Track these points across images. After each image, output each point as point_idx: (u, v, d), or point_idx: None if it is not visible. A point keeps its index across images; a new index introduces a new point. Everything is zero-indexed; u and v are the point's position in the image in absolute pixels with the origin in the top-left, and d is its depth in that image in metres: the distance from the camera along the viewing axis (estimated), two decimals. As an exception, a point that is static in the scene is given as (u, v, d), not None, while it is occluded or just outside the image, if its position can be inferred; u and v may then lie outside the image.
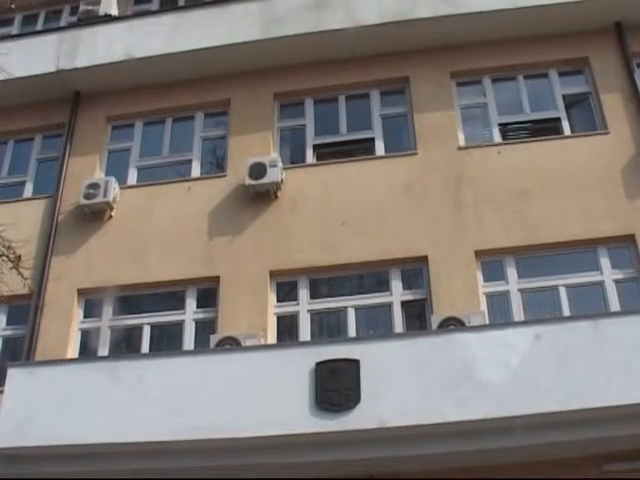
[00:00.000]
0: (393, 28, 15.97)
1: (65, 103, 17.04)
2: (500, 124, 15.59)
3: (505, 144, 15.25)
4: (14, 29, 19.44)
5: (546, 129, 15.39)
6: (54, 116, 17.08)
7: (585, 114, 15.53)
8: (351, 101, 16.46)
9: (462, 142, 15.38)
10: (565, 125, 15.31)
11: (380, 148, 15.69)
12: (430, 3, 16.02)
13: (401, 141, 15.85)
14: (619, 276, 13.47)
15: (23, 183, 16.74)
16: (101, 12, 17.94)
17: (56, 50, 16.97)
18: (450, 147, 15.23)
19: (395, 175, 15.09)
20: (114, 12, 18.10)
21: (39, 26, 19.43)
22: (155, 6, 19.24)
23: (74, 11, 19.00)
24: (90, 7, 18.10)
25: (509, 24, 15.68)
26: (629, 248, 13.68)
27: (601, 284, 13.43)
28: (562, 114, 15.44)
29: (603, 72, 15.53)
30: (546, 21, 15.59)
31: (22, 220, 14.66)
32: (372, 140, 15.82)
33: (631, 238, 13.64)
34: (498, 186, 14.51)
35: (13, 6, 11.36)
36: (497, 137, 15.44)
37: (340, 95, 16.49)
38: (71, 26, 18.15)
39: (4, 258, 11.54)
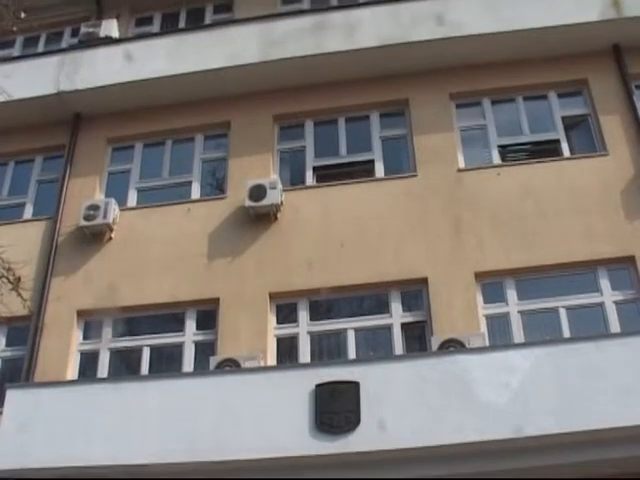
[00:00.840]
0: (392, 50, 16.03)
1: (65, 125, 17.09)
2: (499, 146, 15.62)
3: (505, 166, 15.27)
4: (15, 51, 19.57)
5: (545, 151, 15.41)
6: (54, 138, 17.11)
7: (584, 136, 15.57)
8: (351, 123, 16.49)
9: (462, 164, 15.39)
10: (564, 147, 15.34)
11: (380, 170, 15.70)
12: (429, 26, 16.08)
13: (401, 163, 15.86)
14: (619, 297, 13.46)
15: (23, 204, 16.73)
16: (102, 34, 17.97)
17: (57, 72, 17.02)
18: (450, 169, 15.25)
19: (395, 197, 15.10)
20: (115, 34, 18.13)
21: (40, 48, 19.50)
22: (156, 28, 19.34)
23: (75, 33, 19.06)
24: (91, 29, 18.14)
25: (508, 46, 15.75)
26: (629, 269, 13.67)
27: (601, 305, 13.41)
28: (561, 136, 15.47)
29: (602, 94, 15.59)
30: (545, 43, 15.68)
31: (22, 241, 14.66)
32: (372, 162, 15.84)
33: (631, 259, 13.63)
34: (498, 208, 14.52)
35: (15, 29, 11.37)
36: (496, 159, 15.45)
37: (340, 117, 16.52)
38: (72, 48, 18.17)
39: (4, 279, 11.53)
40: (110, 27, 18.13)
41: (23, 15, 11.11)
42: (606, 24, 15.64)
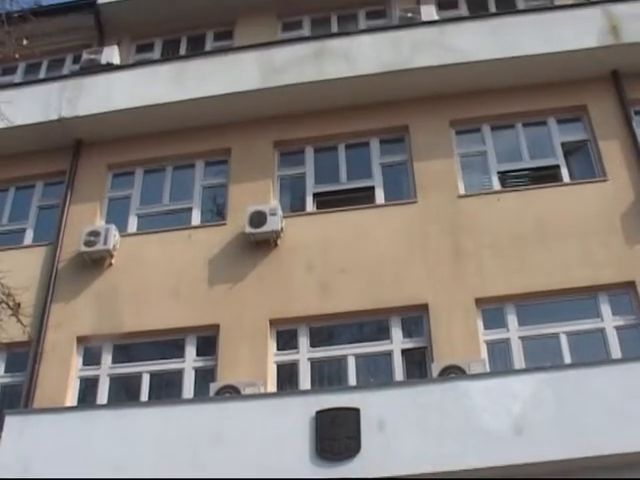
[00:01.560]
0: (392, 77, 16.11)
1: (66, 150, 17.11)
2: (499, 172, 15.65)
3: (504, 192, 15.30)
4: (17, 77, 19.61)
5: (545, 176, 15.45)
6: (55, 163, 17.13)
7: (584, 161, 15.61)
8: (351, 149, 16.53)
9: (462, 190, 15.41)
10: (564, 172, 15.37)
11: (380, 196, 15.71)
12: (429, 52, 16.18)
13: (401, 189, 15.88)
14: (620, 323, 13.44)
15: (23, 230, 16.71)
16: (103, 61, 18.04)
17: (58, 98, 17.07)
18: (450, 195, 15.26)
19: (395, 223, 15.11)
20: (116, 61, 18.21)
21: (42, 74, 19.58)
22: (156, 55, 19.40)
23: (76, 60, 19.11)
24: (92, 56, 18.22)
25: (507, 73, 15.86)
26: (630, 294, 13.67)
27: (602, 331, 13.39)
28: (561, 161, 15.51)
29: (601, 119, 15.66)
30: (544, 69, 15.77)
31: (22, 267, 14.61)
32: (372, 188, 15.85)
33: (631, 285, 13.63)
34: (498, 233, 14.53)
35: (17, 55, 11.42)
36: (496, 185, 15.48)
37: (340, 143, 16.56)
38: (73, 75, 18.25)
39: (4, 305, 11.50)
40: (111, 54, 18.22)
41: (25, 42, 11.15)
42: (605, 50, 15.74)
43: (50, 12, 14.75)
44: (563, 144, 15.76)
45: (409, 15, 17.45)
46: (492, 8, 18.51)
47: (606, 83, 15.97)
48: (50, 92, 17.28)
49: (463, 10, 18.69)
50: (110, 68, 17.95)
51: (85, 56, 18.32)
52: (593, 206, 14.56)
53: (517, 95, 15.99)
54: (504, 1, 18.56)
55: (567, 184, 15.19)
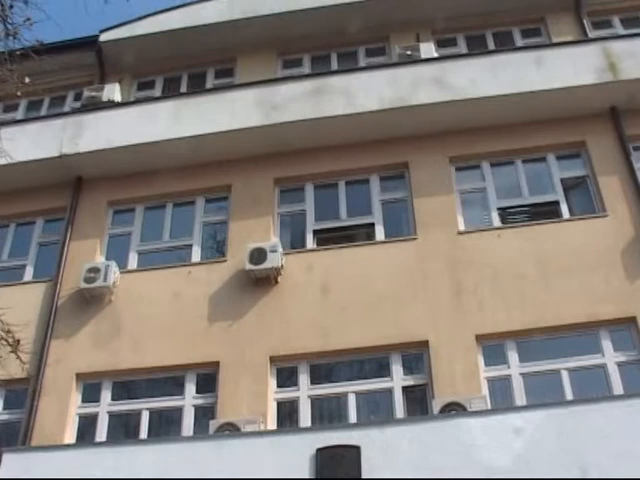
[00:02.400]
0: (392, 114, 16.20)
1: (67, 187, 17.17)
2: (499, 208, 15.68)
3: (505, 228, 15.32)
4: (19, 114, 19.72)
5: (545, 212, 15.47)
6: (56, 200, 17.17)
7: (583, 197, 15.64)
8: (351, 186, 16.56)
9: (462, 226, 15.43)
10: (564, 208, 15.40)
11: (380, 233, 15.72)
12: (428, 89, 16.28)
13: (401, 226, 15.90)
14: (621, 359, 13.40)
15: (23, 266, 16.72)
16: (104, 98, 18.17)
17: (59, 135, 17.18)
18: (450, 231, 15.27)
19: (395, 260, 15.10)
20: (117, 98, 18.34)
21: (43, 111, 19.71)
22: (157, 92, 19.54)
23: (78, 97, 19.26)
24: (94, 93, 18.34)
25: (506, 109, 15.94)
26: (631, 330, 13.64)
27: (603, 367, 13.34)
28: (561, 197, 15.55)
29: (600, 155, 15.73)
30: (543, 106, 15.86)
31: (22, 303, 14.57)
32: (372, 225, 15.87)
33: (632, 320, 13.61)
34: (498, 270, 14.52)
35: (19, 93, 11.46)
36: (496, 221, 15.50)
37: (340, 180, 16.59)
38: (75, 112, 18.41)
39: (3, 342, 11.45)
40: (113, 91, 18.35)
41: (27, 80, 11.18)
42: (603, 87, 15.87)
43: (52, 50, 14.74)
44: (563, 180, 15.80)
45: (408, 53, 17.57)
46: (491, 45, 18.71)
47: (605, 119, 16.05)
48: (51, 129, 17.42)
49: (462, 47, 18.87)
50: (111, 105, 18.08)
51: (86, 93, 18.46)
52: (593, 242, 14.58)
53: (516, 132, 16.06)
54: (502, 38, 18.76)
55: (567, 220, 15.23)
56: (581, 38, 17.71)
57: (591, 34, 18.04)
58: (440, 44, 18.67)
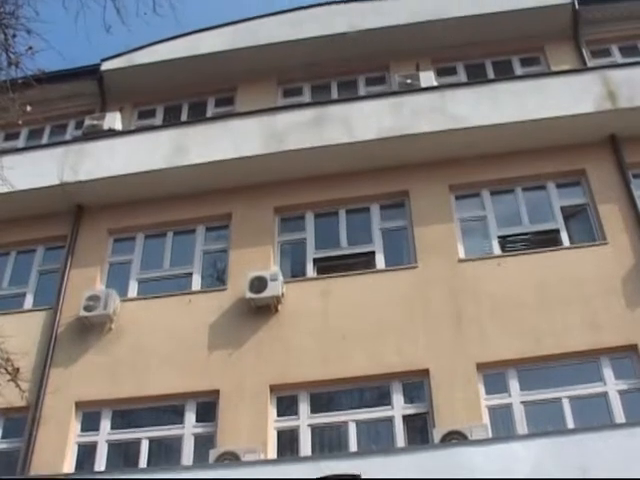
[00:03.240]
0: (392, 143, 16.26)
1: (67, 215, 17.19)
2: (499, 236, 15.69)
3: (505, 256, 15.33)
4: (20, 142, 19.74)
5: (545, 240, 15.50)
6: (56, 228, 17.19)
7: (584, 225, 15.67)
8: (351, 215, 16.59)
9: (462, 254, 15.43)
10: (564, 236, 15.41)
11: (380, 261, 15.72)
12: (428, 118, 16.36)
13: (401, 254, 15.90)
14: (623, 387, 13.34)
15: (23, 294, 16.70)
16: (105, 127, 18.24)
17: (60, 163, 17.21)
18: (450, 260, 15.27)
19: (395, 288, 15.09)
20: (118, 127, 18.40)
21: (44, 140, 19.77)
22: (158, 121, 19.61)
23: (79, 125, 19.35)
24: (95, 122, 18.42)
25: (506, 138, 16.02)
26: (632, 358, 13.59)
27: (605, 395, 13.28)
28: (561, 225, 15.57)
29: (600, 183, 15.76)
30: (542, 134, 15.94)
31: (22, 332, 14.53)
32: (372, 254, 15.86)
33: (634, 348, 13.57)
34: (499, 298, 14.51)
35: (20, 122, 11.52)
36: (497, 249, 15.51)
37: (340, 209, 16.62)
38: (75, 140, 18.47)
39: (2, 370, 11.41)
40: (113, 120, 18.43)
41: (29, 109, 11.23)
42: (602, 115, 15.94)
43: (54, 78, 14.82)
44: (563, 208, 15.83)
45: (408, 81, 17.67)
46: (490, 74, 18.79)
47: (604, 147, 16.12)
48: (52, 157, 17.44)
49: (462, 76, 18.96)
50: (112, 134, 18.13)
51: (87, 122, 18.54)
52: (593, 270, 14.57)
53: (516, 160, 16.11)
54: (502, 67, 18.86)
55: (567, 248, 15.23)
56: (580, 67, 17.81)
57: (590, 63, 18.15)
58: (440, 73, 18.76)
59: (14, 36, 10.25)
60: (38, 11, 10.23)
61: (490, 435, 12.77)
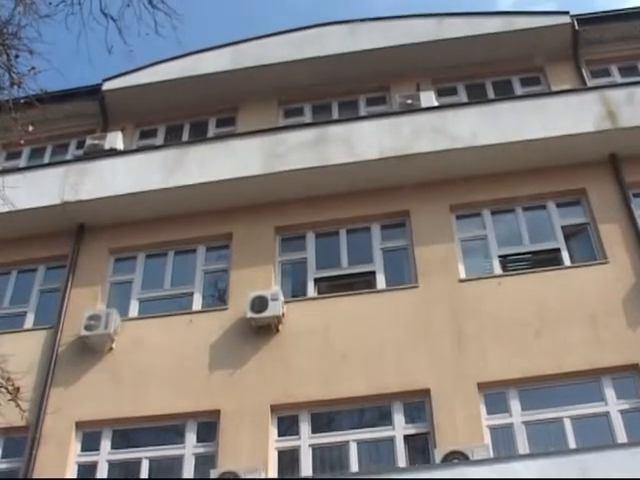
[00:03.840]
0: (393, 163, 16.29)
1: (69, 235, 17.18)
2: (500, 256, 15.69)
3: (506, 275, 15.33)
4: (21, 162, 19.78)
5: (546, 260, 15.49)
6: (57, 247, 17.18)
7: (584, 244, 15.67)
8: (352, 234, 16.58)
9: (463, 274, 15.43)
10: (565, 255, 15.41)
11: (381, 281, 15.71)
12: (429, 138, 16.39)
13: (402, 274, 15.89)
14: (625, 406, 13.30)
15: (24, 314, 16.67)
16: (107, 146, 18.29)
17: (61, 183, 17.23)
18: (451, 279, 15.27)
19: (396, 308, 15.08)
20: (119, 146, 18.45)
21: (46, 159, 19.76)
22: (160, 140, 19.64)
23: (80, 145, 19.38)
24: (96, 142, 18.48)
25: (506, 158, 16.04)
26: (634, 377, 13.57)
27: (607, 415, 13.23)
28: (561, 245, 15.57)
29: (600, 203, 15.78)
30: (543, 154, 15.98)
31: (22, 351, 14.44)
32: (373, 273, 15.86)
33: (635, 367, 13.55)
34: (499, 318, 14.49)
35: (22, 141, 11.56)
36: (497, 269, 15.50)
37: (341, 229, 16.62)
38: (77, 160, 18.52)
39: (3, 390, 11.38)
40: (115, 139, 18.47)
41: (31, 128, 11.26)
42: (602, 135, 15.98)
43: (56, 98, 14.88)
44: (563, 227, 15.84)
45: (409, 101, 17.72)
46: (490, 94, 18.84)
47: (604, 167, 16.14)
48: (54, 177, 17.46)
49: (462, 96, 19.02)
50: (113, 153, 18.18)
51: (89, 141, 18.61)
52: (594, 289, 14.57)
53: (516, 180, 16.12)
54: (502, 87, 18.91)
55: (568, 267, 15.23)
56: (580, 86, 17.87)
57: (590, 82, 18.23)
58: (440, 93, 18.83)
59: (17, 57, 10.28)
60: (40, 32, 10.26)
61: (491, 455, 12.73)
